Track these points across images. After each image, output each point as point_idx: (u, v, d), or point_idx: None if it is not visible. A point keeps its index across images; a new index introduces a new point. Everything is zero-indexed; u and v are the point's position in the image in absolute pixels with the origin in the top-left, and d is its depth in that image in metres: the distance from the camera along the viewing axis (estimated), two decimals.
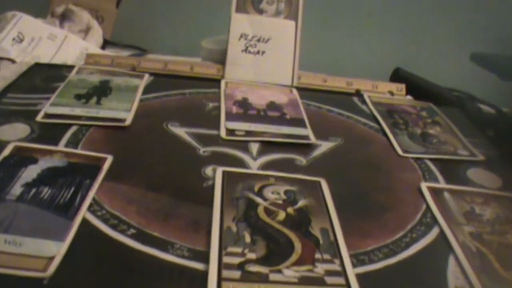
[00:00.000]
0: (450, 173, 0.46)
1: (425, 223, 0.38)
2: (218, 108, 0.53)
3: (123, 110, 0.49)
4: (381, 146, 0.50)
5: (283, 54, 0.63)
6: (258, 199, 0.37)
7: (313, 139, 0.49)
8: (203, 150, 0.45)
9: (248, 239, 0.33)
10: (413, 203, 0.41)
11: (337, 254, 0.33)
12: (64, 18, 0.74)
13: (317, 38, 0.84)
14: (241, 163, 0.43)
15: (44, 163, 0.39)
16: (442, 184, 0.44)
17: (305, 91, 0.61)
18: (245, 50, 0.62)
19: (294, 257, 0.32)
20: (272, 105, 0.55)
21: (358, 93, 0.63)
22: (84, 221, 0.33)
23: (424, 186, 0.43)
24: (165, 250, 0.32)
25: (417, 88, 0.65)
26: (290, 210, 0.37)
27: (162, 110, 0.52)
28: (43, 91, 0.52)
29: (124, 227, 0.33)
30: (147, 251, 0.32)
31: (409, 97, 0.65)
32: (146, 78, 0.58)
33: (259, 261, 0.31)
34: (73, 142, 0.43)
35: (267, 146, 0.47)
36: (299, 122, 0.52)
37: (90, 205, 0.35)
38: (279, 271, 0.30)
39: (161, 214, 0.35)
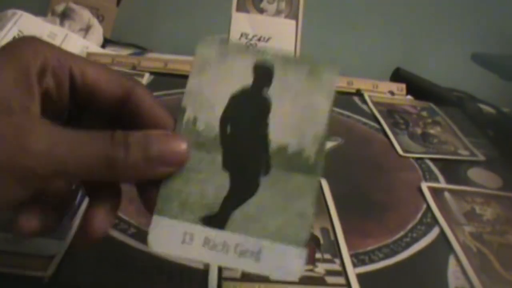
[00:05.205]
0: (450, 173, 0.46)
1: (426, 223, 0.38)
2: None
3: None
4: (382, 146, 0.50)
5: None
6: None
7: None
8: None
9: None
10: (414, 203, 0.41)
11: (337, 253, 0.33)
12: (65, 16, 0.73)
13: (318, 38, 0.84)
14: None
15: None
16: (442, 184, 0.44)
17: None
18: None
19: None
20: None
21: (359, 93, 0.63)
22: None
23: (424, 186, 0.43)
24: None
25: (417, 88, 0.65)
26: None
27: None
28: None
29: (124, 226, 0.33)
30: (148, 250, 0.31)
31: (409, 97, 0.65)
32: (147, 77, 0.58)
33: None
34: None
35: None
36: None
37: None
38: None
39: None
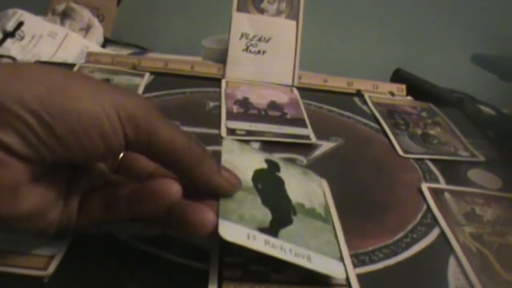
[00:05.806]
0: (450, 173, 0.46)
1: (426, 224, 0.38)
2: (218, 108, 0.53)
3: None
4: (382, 147, 0.50)
5: (284, 53, 0.63)
6: None
7: (313, 139, 0.49)
8: None
9: None
10: (414, 204, 0.41)
11: None
12: (65, 16, 0.74)
13: (318, 38, 0.84)
14: None
15: None
16: (442, 184, 0.44)
17: (306, 91, 0.61)
18: (246, 49, 0.62)
19: None
20: (272, 105, 0.55)
21: (359, 94, 0.64)
22: None
23: (424, 186, 0.43)
24: (166, 249, 0.32)
25: (417, 89, 0.65)
26: None
27: (162, 109, 0.51)
28: None
29: (125, 226, 0.33)
30: (147, 250, 0.32)
31: (409, 97, 0.65)
32: (147, 77, 0.58)
33: (260, 261, 0.31)
34: None
35: (268, 146, 0.47)
36: (300, 122, 0.52)
37: None
38: (280, 271, 0.30)
39: None
